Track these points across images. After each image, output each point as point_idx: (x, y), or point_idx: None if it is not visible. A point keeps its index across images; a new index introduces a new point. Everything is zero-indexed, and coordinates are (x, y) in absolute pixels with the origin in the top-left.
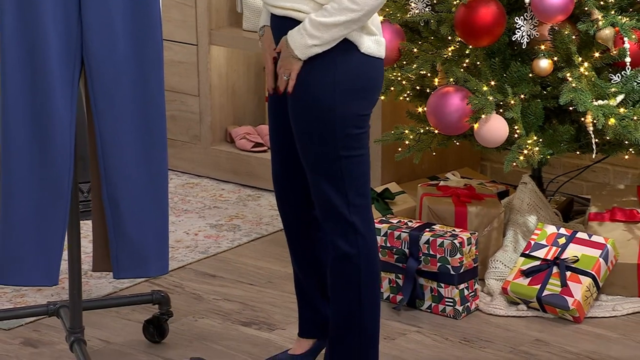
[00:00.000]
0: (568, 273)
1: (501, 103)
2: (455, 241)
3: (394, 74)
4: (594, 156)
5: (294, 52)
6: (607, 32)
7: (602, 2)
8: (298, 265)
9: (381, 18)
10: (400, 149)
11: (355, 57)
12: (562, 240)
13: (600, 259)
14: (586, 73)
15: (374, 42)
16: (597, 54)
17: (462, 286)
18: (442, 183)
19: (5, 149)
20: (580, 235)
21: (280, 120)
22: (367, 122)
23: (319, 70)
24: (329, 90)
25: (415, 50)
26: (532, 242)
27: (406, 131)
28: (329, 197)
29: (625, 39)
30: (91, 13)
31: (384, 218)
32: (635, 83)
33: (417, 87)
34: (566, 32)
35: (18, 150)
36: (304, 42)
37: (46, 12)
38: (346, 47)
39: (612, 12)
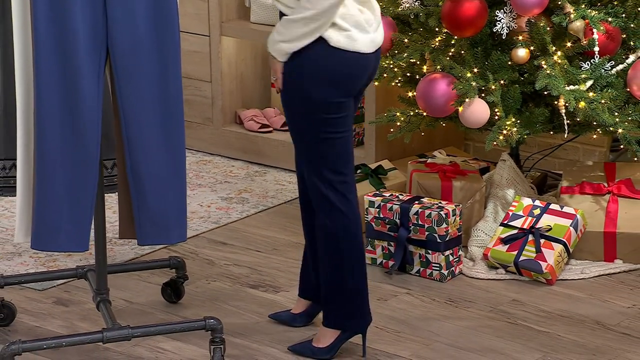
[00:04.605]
0: (542, 240)
1: (483, 88)
2: (442, 212)
3: (387, 62)
4: (565, 136)
5: (269, 51)
6: (578, 24)
7: None
8: (305, 233)
9: None
10: (392, 130)
11: (325, 50)
12: (537, 211)
13: (571, 228)
14: (559, 61)
15: (345, 37)
16: (569, 44)
17: (447, 253)
18: (429, 160)
19: (39, 130)
20: (553, 206)
21: None
22: (341, 109)
23: (293, 60)
24: (300, 78)
25: (406, 40)
26: (510, 213)
27: (398, 114)
28: (308, 173)
29: (594, 30)
30: (116, 7)
31: (377, 192)
32: (603, 70)
33: (408, 74)
34: (541, 24)
35: (51, 131)
36: (273, 39)
37: (75, 6)
38: (318, 41)
39: (583, 6)
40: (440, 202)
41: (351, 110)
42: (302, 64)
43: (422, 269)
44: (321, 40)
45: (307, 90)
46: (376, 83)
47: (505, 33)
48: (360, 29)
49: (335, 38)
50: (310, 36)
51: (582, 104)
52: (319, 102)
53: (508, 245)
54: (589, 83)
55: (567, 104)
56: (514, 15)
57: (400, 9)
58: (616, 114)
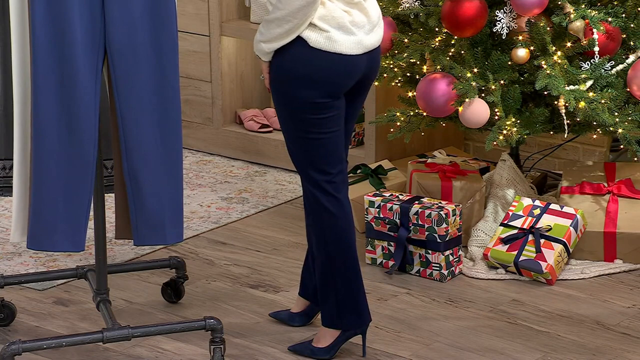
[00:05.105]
0: (542, 240)
1: (483, 88)
2: (442, 212)
3: (387, 62)
4: (565, 136)
5: (254, 51)
6: (578, 24)
7: None
8: (307, 233)
9: None
10: (392, 130)
11: (305, 50)
12: (536, 211)
13: (571, 228)
14: (559, 61)
15: (325, 38)
16: (569, 44)
17: (447, 253)
18: (429, 160)
19: (36, 130)
20: (553, 206)
21: None
22: (325, 110)
23: (276, 59)
24: (283, 78)
25: (406, 40)
26: (510, 213)
27: (398, 114)
28: (297, 169)
29: (594, 30)
30: (114, 7)
31: (377, 192)
32: (603, 70)
33: (408, 74)
34: (541, 24)
35: (48, 131)
36: (256, 39)
37: (72, 6)
38: (298, 41)
39: (583, 6)
40: (440, 202)
41: (339, 111)
42: (283, 63)
43: (422, 269)
44: (301, 41)
45: (290, 90)
46: (376, 83)
47: (505, 33)
48: (344, 31)
49: (314, 39)
50: (286, 36)
51: (582, 104)
52: (301, 102)
53: (508, 245)
54: (589, 83)
55: (567, 104)
56: (514, 15)
57: (400, 9)
58: (616, 114)
